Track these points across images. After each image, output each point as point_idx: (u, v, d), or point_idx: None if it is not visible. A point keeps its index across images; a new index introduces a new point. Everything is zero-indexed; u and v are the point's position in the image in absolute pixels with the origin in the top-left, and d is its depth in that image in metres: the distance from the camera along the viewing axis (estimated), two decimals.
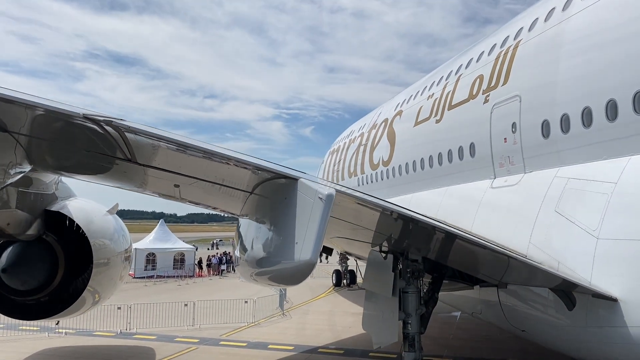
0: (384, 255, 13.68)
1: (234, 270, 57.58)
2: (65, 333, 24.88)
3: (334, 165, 35.73)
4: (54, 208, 16.41)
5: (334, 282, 45.07)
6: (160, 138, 7.48)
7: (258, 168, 8.11)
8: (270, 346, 22.72)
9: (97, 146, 8.87)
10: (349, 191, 9.94)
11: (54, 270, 16.69)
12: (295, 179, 7.80)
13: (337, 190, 7.83)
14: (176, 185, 10.74)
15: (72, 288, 17.48)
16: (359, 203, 9.28)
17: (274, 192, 8.49)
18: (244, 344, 23.07)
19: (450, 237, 10.91)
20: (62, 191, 17.40)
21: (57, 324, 21.88)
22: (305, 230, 7.02)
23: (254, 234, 10.13)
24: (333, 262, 52.35)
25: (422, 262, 13.49)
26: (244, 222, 12.38)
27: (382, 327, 13.29)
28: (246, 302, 28.87)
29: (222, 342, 23.49)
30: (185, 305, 27.88)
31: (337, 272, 45.42)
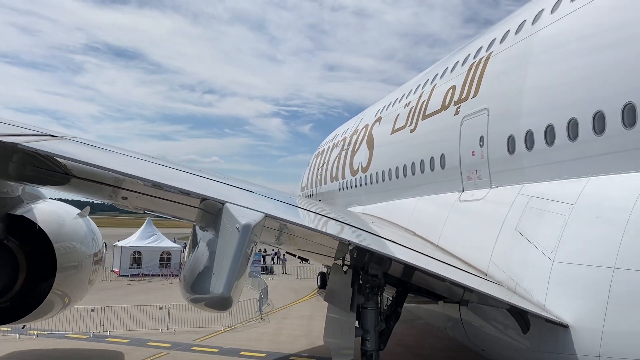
0: (344, 269, 13.43)
1: None
2: (37, 335, 24.59)
3: (318, 169, 35.49)
4: (18, 212, 16.12)
5: (319, 284, 44.85)
6: (83, 163, 7.33)
7: (181, 192, 7.85)
8: (242, 353, 22.49)
9: (40, 163, 8.79)
10: (285, 214, 9.50)
11: (15, 275, 16.43)
12: (221, 204, 7.50)
13: (267, 215, 7.54)
14: (124, 198, 10.49)
15: (37, 292, 17.23)
16: (294, 224, 8.98)
17: (207, 214, 8.23)
18: (216, 350, 22.83)
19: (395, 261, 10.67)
20: (30, 194, 17.12)
21: (23, 327, 21.67)
22: (222, 261, 6.74)
23: (190, 251, 9.87)
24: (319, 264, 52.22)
25: (384, 277, 13.24)
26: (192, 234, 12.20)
27: (340, 342, 13.03)
28: None
29: (194, 348, 23.25)
30: (160, 308, 27.60)
31: (322, 274, 45.20)
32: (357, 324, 13.08)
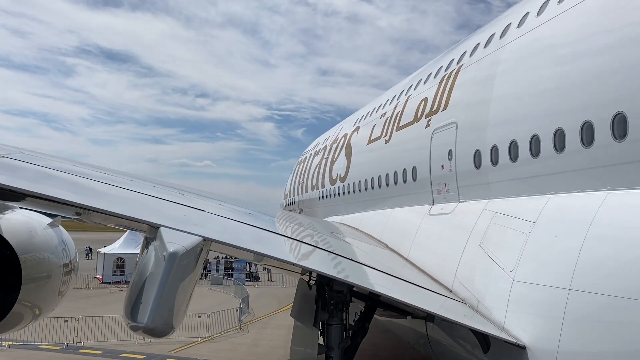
0: (311, 284, 13.23)
1: (206, 277, 56.89)
2: (9, 346, 24.14)
3: (300, 177, 35.31)
4: None
5: None
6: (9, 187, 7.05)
7: (109, 214, 7.54)
8: None
9: None
10: (231, 236, 9.04)
11: None
12: (156, 228, 7.20)
13: (205, 239, 7.28)
14: (78, 214, 10.21)
15: (1, 305, 16.88)
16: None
17: (148, 235, 7.94)
18: None
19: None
20: (1, 204, 16.82)
21: None
22: (149, 290, 6.46)
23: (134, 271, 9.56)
24: None
25: (350, 292, 13.04)
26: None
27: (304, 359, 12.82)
28: (200, 316, 28.22)
29: (168, 359, 22.94)
30: None
31: None
32: (322, 341, 12.89)
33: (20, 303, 16.62)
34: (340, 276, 9.22)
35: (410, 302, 9.22)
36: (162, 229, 7.00)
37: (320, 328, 12.95)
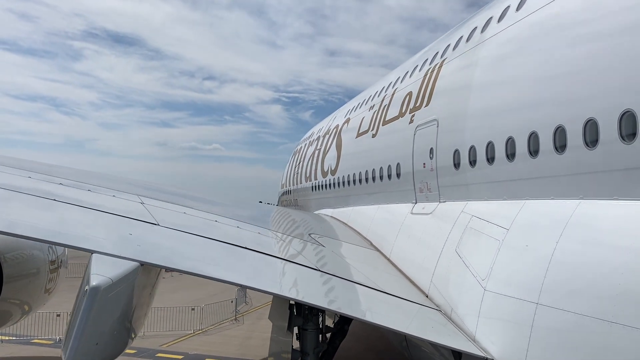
0: None
1: None
2: (1, 341, 24.23)
3: (295, 167, 34.97)
4: None
5: None
6: None
7: (33, 238, 7.04)
8: None
9: None
10: (175, 259, 8.05)
11: None
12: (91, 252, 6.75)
13: (143, 264, 6.85)
14: None
15: None
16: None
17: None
18: (180, 357, 22.50)
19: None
20: None
21: None
22: (73, 324, 6.09)
23: None
24: None
25: None
26: None
27: None
28: (193, 309, 28.13)
29: (158, 354, 22.91)
30: None
31: None
32: (298, 345, 12.64)
33: (5, 301, 16.61)
34: (309, 300, 8.70)
35: (378, 323, 8.75)
36: (94, 255, 6.56)
37: (297, 332, 12.71)
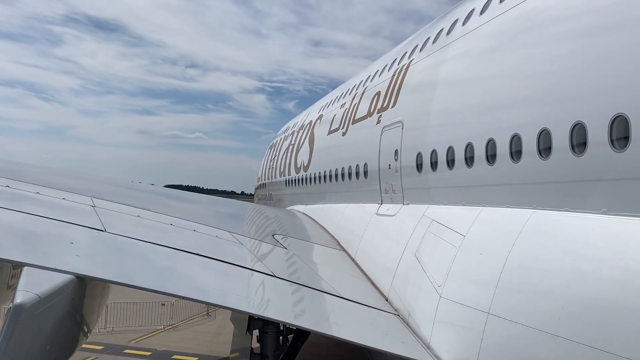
0: None
1: None
2: None
3: (270, 162, 34.74)
4: None
5: None
6: None
7: None
8: (174, 357, 21.96)
9: None
10: (117, 270, 7.68)
11: None
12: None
13: (78, 276, 6.56)
14: None
15: None
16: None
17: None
18: (148, 354, 22.27)
19: None
20: None
21: None
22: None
23: None
24: None
25: None
26: None
27: None
28: (163, 304, 27.86)
29: (126, 351, 22.65)
30: None
31: None
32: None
33: None
34: (255, 311, 8.41)
35: (330, 334, 8.59)
36: (25, 268, 6.28)
37: (257, 334, 12.59)
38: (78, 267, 6.73)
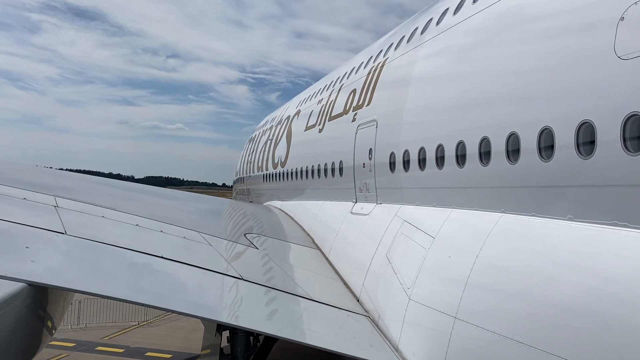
0: None
1: None
2: None
3: (249, 156, 34.47)
4: None
5: None
6: None
7: None
8: (147, 354, 21.70)
9: None
10: (73, 277, 7.37)
11: None
12: None
13: (31, 284, 6.29)
14: None
15: None
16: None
17: None
18: (121, 350, 21.97)
19: None
20: None
21: None
22: None
23: None
24: None
25: None
26: None
27: None
28: None
29: (98, 348, 22.30)
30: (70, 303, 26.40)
31: None
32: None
33: None
34: (218, 318, 8.22)
35: (295, 339, 8.45)
36: None
37: (228, 335, 12.44)
38: (31, 275, 6.48)
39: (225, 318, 8.30)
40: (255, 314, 8.87)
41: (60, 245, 7.92)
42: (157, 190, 23.24)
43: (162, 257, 8.77)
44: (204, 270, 9.14)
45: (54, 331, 10.30)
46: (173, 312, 7.85)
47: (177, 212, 15.89)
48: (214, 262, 9.98)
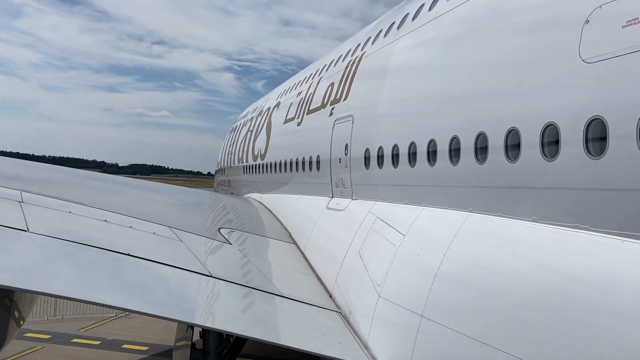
0: None
1: None
2: None
3: (230, 147, 34.23)
4: None
5: None
6: None
7: None
8: (124, 346, 21.55)
9: None
10: (17, 279, 6.96)
11: None
12: None
13: None
14: None
15: None
16: None
17: None
18: (97, 343, 21.79)
19: None
20: None
21: None
22: None
23: None
24: None
25: None
26: None
27: None
28: None
29: (74, 340, 22.09)
30: None
31: None
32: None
33: None
34: (184, 319, 8.04)
35: (266, 340, 8.36)
36: None
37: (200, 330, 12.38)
38: None
39: (189, 318, 8.21)
40: (222, 313, 8.77)
41: (20, 244, 7.75)
42: (134, 182, 22.98)
43: (128, 255, 8.63)
44: (171, 267, 9.01)
45: (22, 322, 10.15)
46: (133, 312, 7.74)
47: (151, 205, 15.69)
48: (182, 259, 9.84)
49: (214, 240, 12.33)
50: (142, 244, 9.98)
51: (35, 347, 20.93)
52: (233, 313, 9.00)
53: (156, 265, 8.79)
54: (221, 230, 13.59)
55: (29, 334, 22.34)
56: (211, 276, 9.43)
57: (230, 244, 12.60)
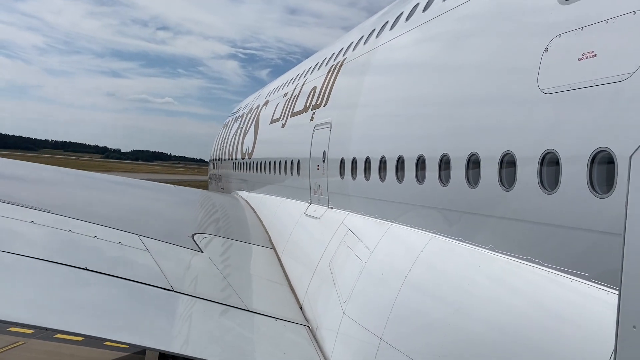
0: None
1: None
2: None
3: (222, 142, 34.08)
4: None
5: None
6: None
7: None
8: (106, 343, 21.46)
9: None
10: None
11: None
12: None
13: None
14: None
15: None
16: None
17: None
18: (80, 339, 21.70)
19: None
20: None
21: None
22: None
23: None
24: None
25: None
26: None
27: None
28: None
29: (57, 335, 21.97)
30: None
31: None
32: None
33: None
34: (130, 341, 7.69)
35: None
36: None
37: None
38: None
39: (137, 340, 8.02)
40: (176, 333, 8.48)
41: None
42: (116, 180, 22.75)
43: (85, 269, 8.47)
44: (129, 282, 8.81)
45: None
46: (80, 335, 7.57)
47: (125, 210, 15.46)
48: (144, 271, 9.63)
49: (184, 248, 12.10)
50: (104, 256, 9.80)
51: (17, 342, 20.87)
52: (188, 333, 8.62)
53: (113, 280, 8.59)
54: (195, 236, 13.39)
55: (12, 329, 22.26)
56: (173, 290, 9.25)
57: (202, 252, 12.38)
